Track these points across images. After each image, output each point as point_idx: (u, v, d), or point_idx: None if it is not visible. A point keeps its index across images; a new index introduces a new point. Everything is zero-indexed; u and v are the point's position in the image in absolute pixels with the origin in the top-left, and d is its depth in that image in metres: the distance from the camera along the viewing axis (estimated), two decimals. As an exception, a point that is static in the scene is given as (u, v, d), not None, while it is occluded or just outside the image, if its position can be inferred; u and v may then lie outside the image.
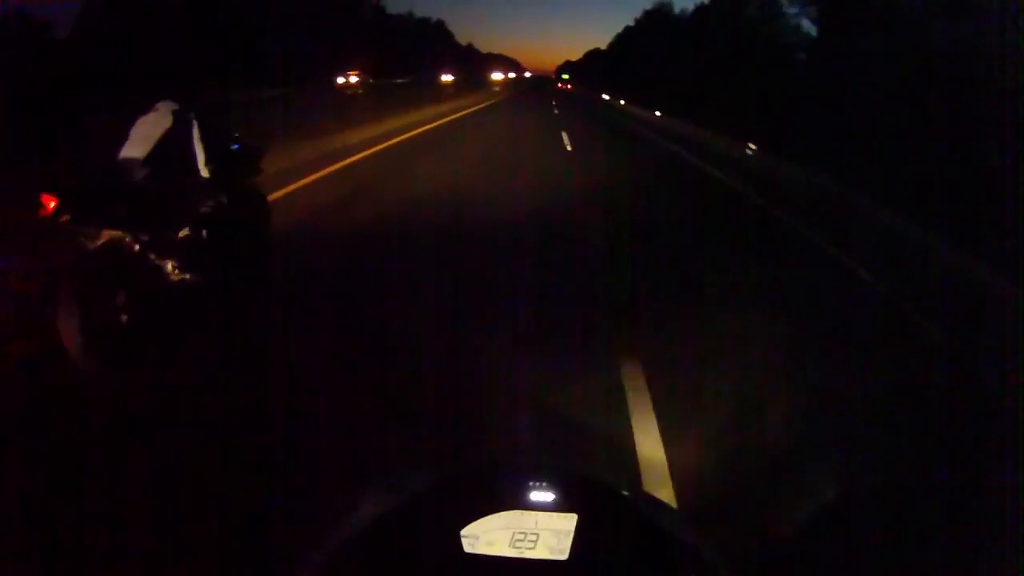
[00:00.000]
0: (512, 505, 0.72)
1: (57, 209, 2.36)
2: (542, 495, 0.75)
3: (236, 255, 3.12)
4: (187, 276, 2.77)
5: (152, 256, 2.67)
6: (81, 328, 2.32)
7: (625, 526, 0.77)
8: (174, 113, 2.83)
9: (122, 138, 2.77)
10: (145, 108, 2.89)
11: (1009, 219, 5.18)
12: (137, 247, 2.60)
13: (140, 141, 2.74)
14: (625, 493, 0.84)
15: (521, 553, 0.69)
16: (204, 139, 2.89)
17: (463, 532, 0.70)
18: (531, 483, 0.76)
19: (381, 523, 0.74)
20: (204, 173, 2.88)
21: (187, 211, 2.81)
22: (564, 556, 0.69)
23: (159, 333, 2.61)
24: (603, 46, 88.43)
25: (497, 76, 53.22)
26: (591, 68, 79.32)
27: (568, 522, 0.71)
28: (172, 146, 2.79)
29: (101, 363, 2.37)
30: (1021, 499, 1.76)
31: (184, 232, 2.78)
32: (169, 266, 2.72)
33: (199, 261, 2.81)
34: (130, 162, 2.70)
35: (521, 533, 0.70)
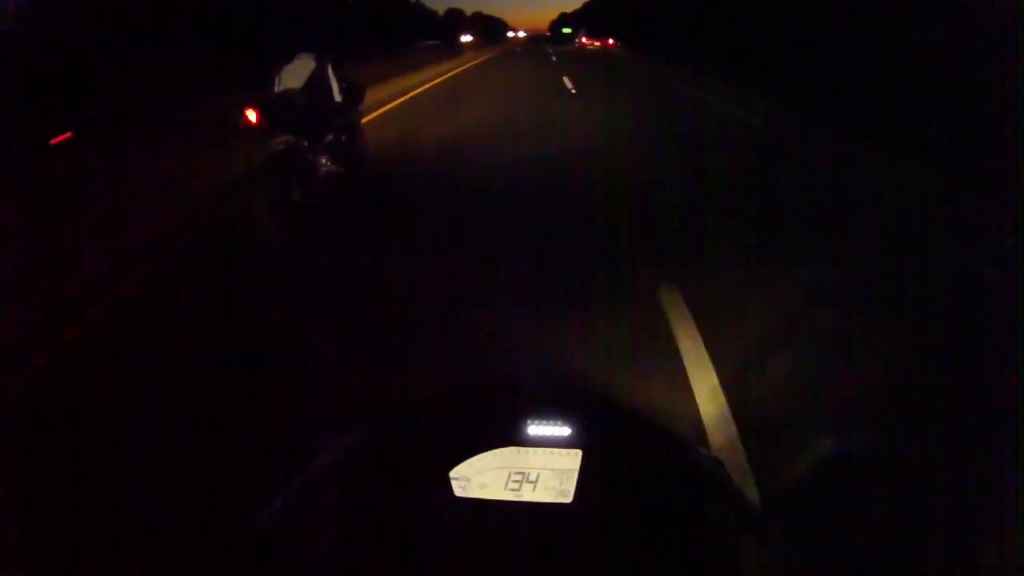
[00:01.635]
0: (508, 441, 0.63)
1: (259, 119, 3.66)
2: (542, 429, 0.64)
3: (356, 155, 4.42)
4: (332, 168, 4.06)
5: (310, 154, 3.95)
6: (267, 200, 3.61)
7: (638, 464, 0.67)
8: (314, 59, 4.09)
9: (282, 76, 4.04)
10: (290, 58, 4.16)
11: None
12: (301, 147, 3.88)
13: (297, 78, 4.00)
14: (637, 425, 0.74)
15: (519, 496, 0.62)
16: (336, 76, 4.14)
17: (452, 473, 0.62)
18: (529, 415, 0.66)
19: (362, 462, 0.68)
20: (338, 99, 4.14)
21: (330, 124, 4.09)
22: (568, 499, 0.61)
23: (315, 204, 3.91)
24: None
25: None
26: (605, 18, 50.18)
27: (572, 460, 0.62)
28: (317, 81, 4.04)
29: (277, 225, 3.64)
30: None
31: (329, 138, 4.06)
32: (321, 160, 4.01)
33: (338, 158, 4.10)
34: (292, 91, 3.96)
35: (519, 473, 0.62)
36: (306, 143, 3.90)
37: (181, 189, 4.56)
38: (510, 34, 64.60)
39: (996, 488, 1.58)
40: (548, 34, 74.61)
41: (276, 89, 4.00)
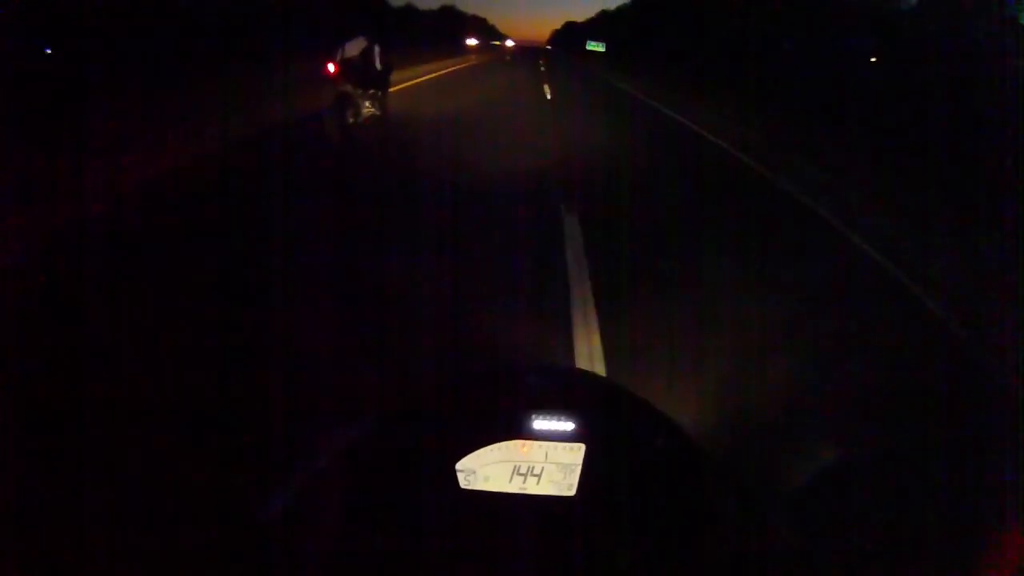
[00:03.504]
0: (512, 434, 0.65)
1: (336, 71, 6.20)
2: (546, 423, 0.66)
3: (384, 104, 7.01)
4: (373, 110, 6.64)
5: (359, 100, 6.49)
6: (334, 124, 6.16)
7: (640, 457, 0.69)
8: (366, 40, 6.64)
9: (346, 48, 6.57)
10: (351, 38, 6.71)
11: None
12: (356, 93, 6.42)
13: (355, 49, 6.54)
14: (640, 419, 0.74)
15: (523, 489, 0.64)
16: (378, 52, 6.72)
17: (458, 466, 0.63)
18: (533, 408, 0.67)
19: (366, 454, 0.69)
20: (378, 67, 6.71)
21: (373, 81, 6.65)
22: (571, 492, 0.63)
23: (361, 130, 6.47)
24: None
25: None
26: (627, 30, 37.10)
27: (575, 454, 0.64)
28: (367, 53, 6.59)
29: (340, 138, 6.19)
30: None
31: (372, 91, 6.63)
32: (366, 104, 6.57)
33: (377, 104, 6.68)
34: (352, 58, 6.50)
35: (523, 467, 0.64)
36: (359, 91, 6.46)
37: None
38: (493, 42, 49.03)
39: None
40: (549, 47, 56.74)
41: (342, 56, 6.54)
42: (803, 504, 1.55)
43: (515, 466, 0.64)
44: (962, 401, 2.39)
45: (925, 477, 1.84)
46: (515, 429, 0.65)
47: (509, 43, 57.38)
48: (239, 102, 7.62)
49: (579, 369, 1.38)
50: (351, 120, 6.33)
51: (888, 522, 1.62)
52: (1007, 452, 1.92)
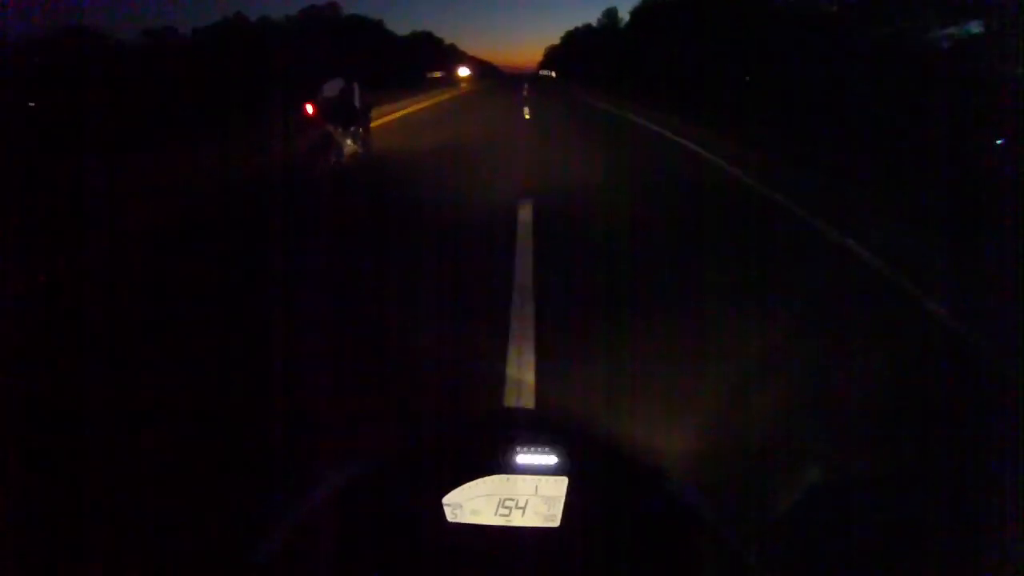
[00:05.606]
0: (497, 469, 0.68)
1: (315, 112, 6.21)
2: (529, 457, 0.69)
3: (366, 140, 7.01)
4: (355, 148, 6.64)
5: (342, 138, 6.50)
6: (322, 162, 6.17)
7: (623, 489, 0.73)
8: (343, 81, 6.67)
9: (323, 89, 6.60)
10: (328, 79, 6.74)
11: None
12: (338, 132, 6.42)
13: (332, 91, 6.57)
14: (621, 452, 0.78)
15: (509, 521, 0.66)
16: (357, 91, 6.74)
17: (445, 500, 0.66)
18: (517, 444, 0.71)
19: (357, 490, 0.72)
20: (357, 105, 6.73)
21: (353, 119, 6.67)
22: (555, 523, 0.66)
23: (344, 167, 6.46)
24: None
25: None
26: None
27: (559, 486, 0.67)
28: (346, 93, 6.62)
29: (327, 172, 6.19)
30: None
31: (352, 128, 6.64)
32: (348, 142, 6.57)
33: (359, 142, 6.69)
34: (330, 98, 6.52)
35: (508, 500, 0.67)
36: (340, 130, 6.47)
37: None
38: (438, 74, 39.66)
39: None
40: (555, 74, 50.46)
41: (320, 97, 6.57)
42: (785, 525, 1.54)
43: (501, 499, 0.67)
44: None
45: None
46: (501, 464, 0.68)
47: (463, 72, 47.68)
48: (229, 151, 7.70)
49: (561, 410, 1.46)
50: (334, 159, 6.34)
51: (885, 528, 1.61)
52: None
